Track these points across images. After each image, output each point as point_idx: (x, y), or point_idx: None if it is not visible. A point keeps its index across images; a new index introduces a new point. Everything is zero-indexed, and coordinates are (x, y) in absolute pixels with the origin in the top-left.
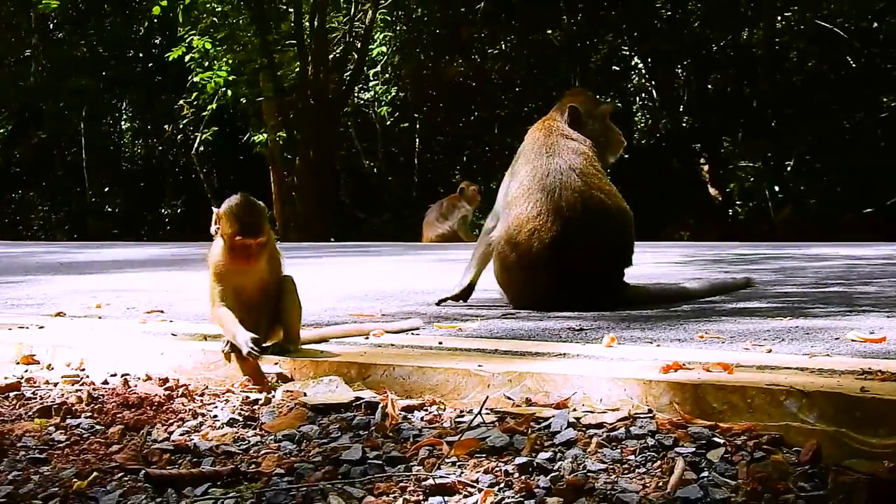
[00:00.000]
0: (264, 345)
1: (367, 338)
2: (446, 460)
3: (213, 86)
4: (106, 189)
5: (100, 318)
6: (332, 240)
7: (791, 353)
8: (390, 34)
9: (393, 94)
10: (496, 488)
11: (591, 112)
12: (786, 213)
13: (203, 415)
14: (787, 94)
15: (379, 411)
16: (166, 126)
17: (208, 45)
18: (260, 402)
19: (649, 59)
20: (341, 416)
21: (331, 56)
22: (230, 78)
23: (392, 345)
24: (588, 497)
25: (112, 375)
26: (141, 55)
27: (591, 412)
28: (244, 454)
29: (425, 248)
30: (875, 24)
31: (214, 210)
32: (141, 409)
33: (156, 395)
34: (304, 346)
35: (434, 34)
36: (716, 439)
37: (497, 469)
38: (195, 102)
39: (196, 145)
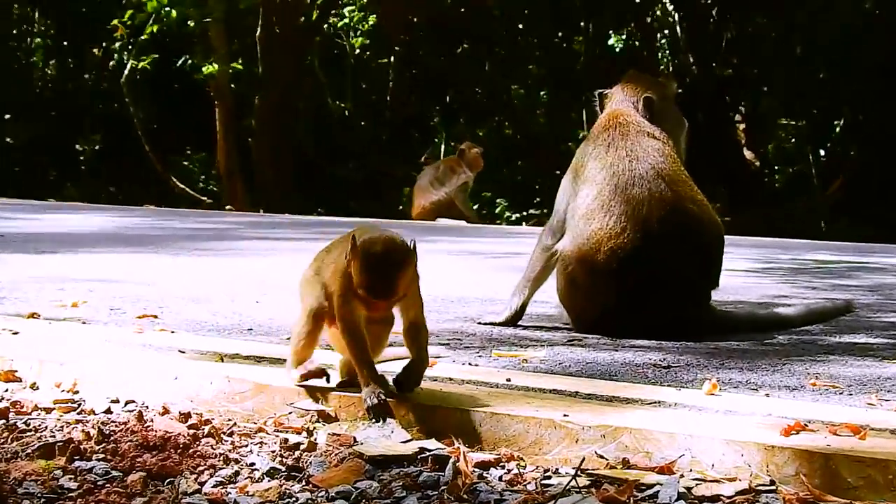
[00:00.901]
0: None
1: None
2: None
3: (155, 4)
4: (7, 116)
5: (83, 322)
6: (320, 211)
7: None
8: None
9: (371, 21)
10: None
11: (662, 97)
12: (835, 188)
13: (236, 461)
14: (838, 41)
15: (449, 467)
16: (94, 49)
17: None
18: (302, 446)
19: None
20: (404, 472)
21: None
22: None
23: (451, 379)
24: None
25: (114, 402)
26: None
27: (703, 480)
28: None
29: (433, 231)
30: None
31: (354, 237)
32: (163, 453)
33: (178, 433)
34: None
35: None
36: None
37: None
38: (130, 23)
39: (127, 73)
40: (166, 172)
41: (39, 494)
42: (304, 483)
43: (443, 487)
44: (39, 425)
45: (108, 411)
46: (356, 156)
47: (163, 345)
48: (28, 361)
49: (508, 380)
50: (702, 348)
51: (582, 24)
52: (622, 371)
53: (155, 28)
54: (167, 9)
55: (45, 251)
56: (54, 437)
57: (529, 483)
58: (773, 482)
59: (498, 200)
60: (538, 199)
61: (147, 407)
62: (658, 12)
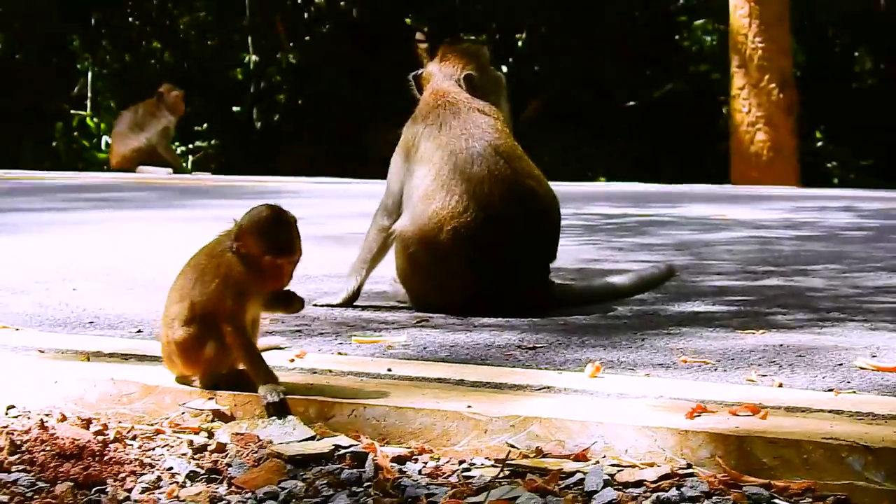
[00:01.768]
0: None
1: (291, 361)
2: None
3: None
4: None
5: None
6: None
7: (803, 386)
8: None
9: None
10: None
11: (479, 68)
12: (530, 111)
13: (151, 465)
14: None
15: (369, 463)
16: None
17: None
18: (210, 447)
19: None
20: (325, 470)
21: None
22: None
23: (330, 371)
24: None
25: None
26: None
27: (620, 466)
28: None
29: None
30: None
31: (234, 222)
32: (82, 461)
33: (87, 440)
34: None
35: None
36: (777, 501)
37: None
38: None
39: None
40: None
41: None
42: (228, 486)
43: (367, 484)
44: None
45: None
46: None
47: (17, 344)
48: None
49: (389, 369)
50: (552, 325)
51: None
52: (490, 354)
53: None
54: None
55: None
56: None
57: (450, 476)
58: (689, 465)
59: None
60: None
61: (29, 412)
62: None
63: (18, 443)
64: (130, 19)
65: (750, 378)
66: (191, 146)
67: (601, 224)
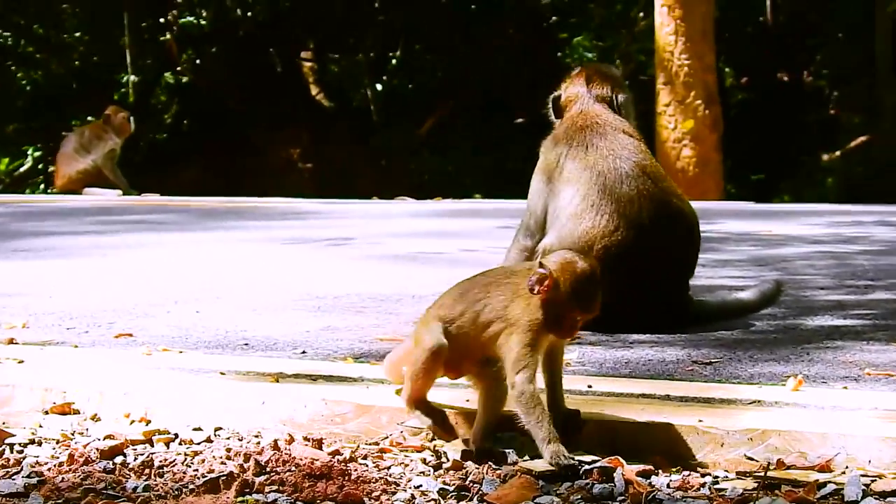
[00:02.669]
0: None
1: None
2: None
3: None
4: None
5: (76, 346)
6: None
7: None
8: None
9: None
10: None
11: (623, 88)
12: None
13: (396, 484)
14: None
15: (619, 478)
16: None
17: None
18: (445, 465)
19: None
20: (576, 485)
21: None
22: None
23: None
24: None
25: (196, 430)
26: None
27: (866, 476)
28: None
29: (218, 216)
30: None
31: (544, 266)
32: (332, 481)
33: (329, 461)
34: None
35: None
36: None
37: None
38: None
39: None
40: None
41: None
42: (479, 502)
43: (620, 498)
44: (168, 461)
45: (209, 440)
46: None
47: (193, 367)
48: (86, 393)
49: (590, 386)
50: (706, 341)
51: None
52: (670, 370)
53: None
54: None
55: None
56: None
57: (700, 489)
58: None
59: None
60: None
61: (239, 434)
62: None
63: (263, 463)
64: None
65: None
66: None
67: None
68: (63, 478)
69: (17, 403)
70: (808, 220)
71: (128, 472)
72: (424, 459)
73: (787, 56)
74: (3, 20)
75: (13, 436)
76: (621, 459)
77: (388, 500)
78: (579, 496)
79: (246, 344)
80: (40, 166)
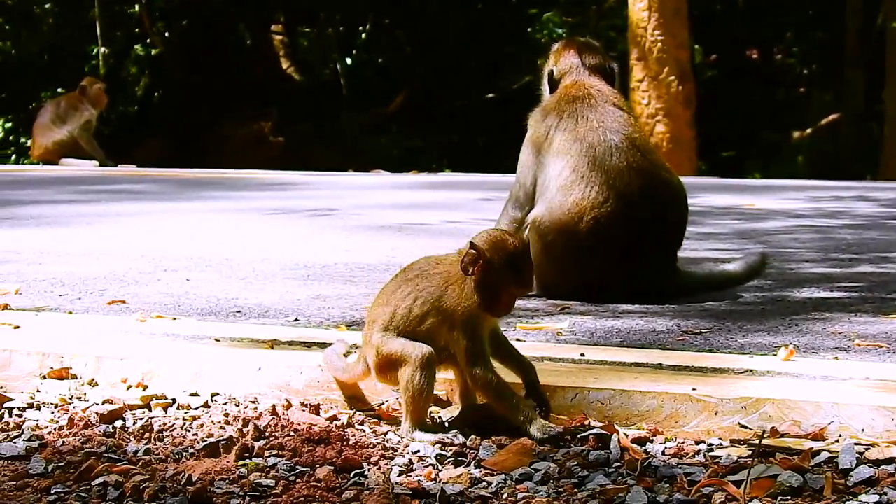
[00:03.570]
0: None
1: None
2: None
3: None
4: None
5: (70, 312)
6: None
7: None
8: None
9: None
10: None
11: (609, 57)
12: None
13: (394, 450)
14: None
15: (615, 445)
16: None
17: None
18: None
19: None
20: (573, 451)
21: None
22: None
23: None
24: None
25: (193, 395)
26: None
27: (860, 444)
28: (498, 499)
29: (202, 186)
30: None
31: (474, 247)
32: (331, 445)
33: (327, 426)
34: None
35: None
36: None
37: None
38: None
39: None
40: None
41: (241, 493)
42: (477, 467)
43: (616, 464)
44: (167, 425)
45: (207, 405)
46: None
47: (188, 333)
48: (83, 358)
49: (583, 354)
50: (695, 311)
51: None
52: (661, 339)
53: None
54: None
55: None
56: (197, 435)
57: (695, 456)
58: None
59: None
60: None
61: (236, 399)
62: None
63: (262, 427)
64: None
65: None
66: None
67: None
68: (64, 441)
69: (15, 368)
70: (787, 194)
71: (128, 437)
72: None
73: (756, 34)
74: None
75: (12, 400)
76: (617, 426)
77: (387, 464)
78: (575, 462)
79: (238, 312)
80: (11, 137)
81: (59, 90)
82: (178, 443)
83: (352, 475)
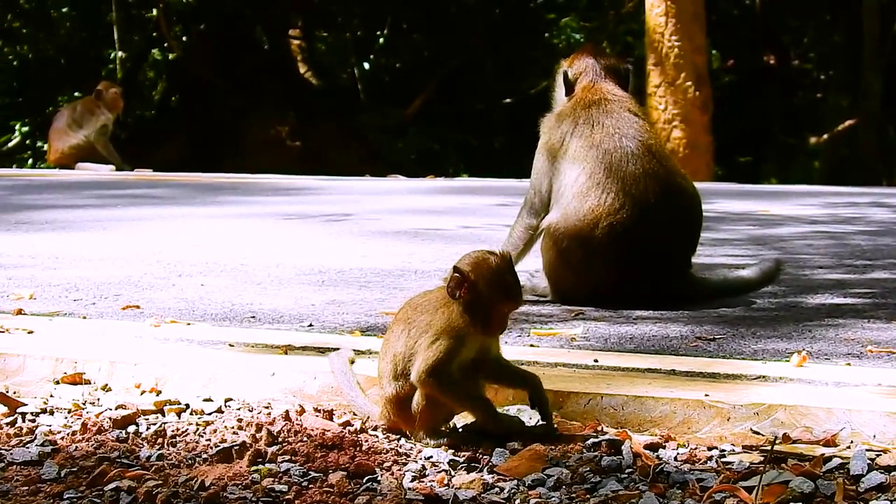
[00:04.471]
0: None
1: None
2: None
3: None
4: None
5: (84, 317)
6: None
7: None
8: None
9: None
10: None
11: (624, 60)
12: (416, 106)
13: (407, 455)
14: None
15: (627, 451)
16: None
17: None
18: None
19: None
20: (586, 457)
21: None
22: None
23: (536, 363)
24: None
25: (207, 401)
26: None
27: (871, 450)
28: None
29: (218, 191)
30: None
31: (458, 270)
32: (344, 451)
33: (340, 432)
34: None
35: None
36: None
37: None
38: None
39: None
40: None
41: (254, 499)
42: (490, 473)
43: (629, 470)
44: (180, 430)
45: (220, 411)
46: None
47: (203, 338)
48: (96, 364)
49: (596, 360)
50: (709, 317)
51: None
52: (675, 345)
53: None
54: None
55: None
56: (210, 440)
57: (708, 462)
58: None
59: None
60: None
61: (249, 404)
62: None
63: (275, 433)
64: None
65: None
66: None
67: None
68: (76, 446)
69: (29, 373)
70: (803, 200)
71: (141, 442)
72: None
73: (773, 38)
74: None
75: (25, 405)
76: (629, 432)
77: (400, 470)
78: (588, 468)
79: (253, 317)
80: (28, 142)
81: (75, 94)
82: (192, 448)
83: (364, 481)
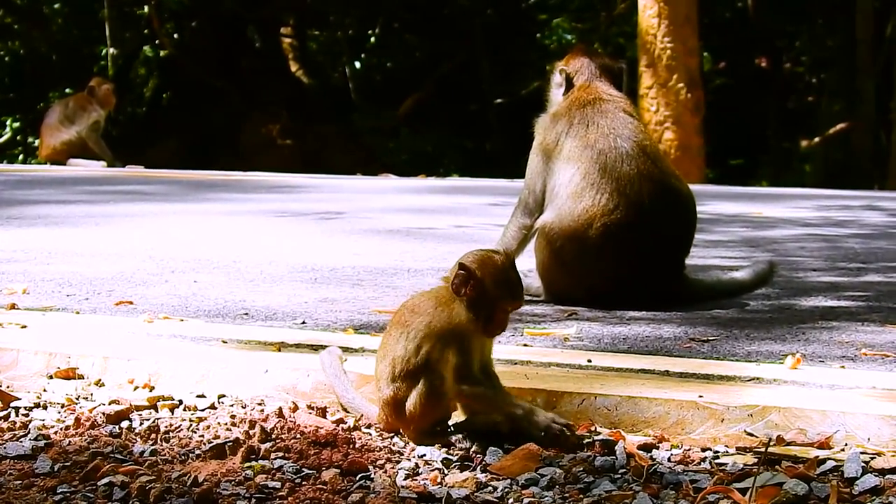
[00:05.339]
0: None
1: None
2: None
3: None
4: None
5: (78, 312)
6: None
7: None
8: None
9: None
10: None
11: (617, 59)
12: (408, 105)
13: (400, 453)
14: None
15: (621, 451)
16: None
17: None
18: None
19: None
20: (578, 457)
21: None
22: None
23: (529, 362)
24: None
25: (200, 397)
26: None
27: (865, 453)
28: None
29: (207, 188)
30: None
31: (464, 267)
32: (337, 448)
33: (334, 429)
34: None
35: None
36: None
37: None
38: None
39: None
40: None
41: (247, 495)
42: (483, 472)
43: (622, 470)
44: (173, 426)
45: (213, 407)
46: None
47: (196, 335)
48: (89, 359)
49: (589, 360)
50: (702, 319)
51: None
52: (669, 346)
53: None
54: None
55: None
56: (203, 436)
57: (701, 463)
58: None
59: None
60: None
61: (242, 401)
62: None
63: (268, 430)
64: None
65: None
66: None
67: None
68: (70, 441)
69: (22, 367)
70: (795, 203)
71: (134, 437)
72: None
73: (766, 41)
74: None
75: (18, 399)
76: (623, 433)
77: (393, 468)
78: (581, 468)
79: (245, 314)
80: (19, 137)
81: (67, 90)
82: (185, 444)
83: (358, 478)
